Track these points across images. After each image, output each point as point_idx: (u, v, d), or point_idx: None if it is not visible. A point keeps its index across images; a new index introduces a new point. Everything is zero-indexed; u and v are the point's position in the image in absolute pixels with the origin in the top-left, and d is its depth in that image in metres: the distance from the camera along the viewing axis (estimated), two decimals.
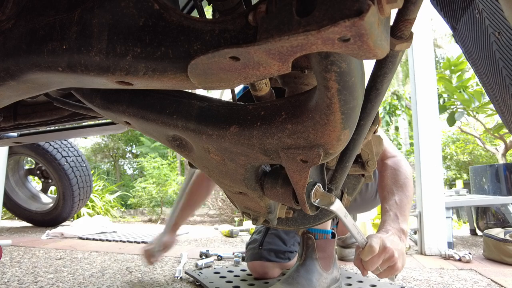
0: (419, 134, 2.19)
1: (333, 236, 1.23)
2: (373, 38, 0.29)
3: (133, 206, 6.47)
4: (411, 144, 9.40)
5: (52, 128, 1.19)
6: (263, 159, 0.53)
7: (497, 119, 5.66)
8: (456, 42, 0.71)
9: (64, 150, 3.19)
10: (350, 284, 1.30)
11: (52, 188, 3.70)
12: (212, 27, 0.40)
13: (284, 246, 1.39)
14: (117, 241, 2.48)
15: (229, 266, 1.66)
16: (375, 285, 1.29)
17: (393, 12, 0.39)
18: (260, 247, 1.37)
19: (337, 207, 0.66)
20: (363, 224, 2.99)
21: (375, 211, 3.51)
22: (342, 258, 1.87)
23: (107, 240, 2.53)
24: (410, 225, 2.55)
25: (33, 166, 3.60)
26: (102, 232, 2.87)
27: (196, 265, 1.63)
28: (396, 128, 9.89)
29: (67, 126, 1.18)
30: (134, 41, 0.43)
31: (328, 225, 1.23)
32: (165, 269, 1.63)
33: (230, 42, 0.38)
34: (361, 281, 1.34)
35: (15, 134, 1.27)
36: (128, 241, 2.47)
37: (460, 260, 1.86)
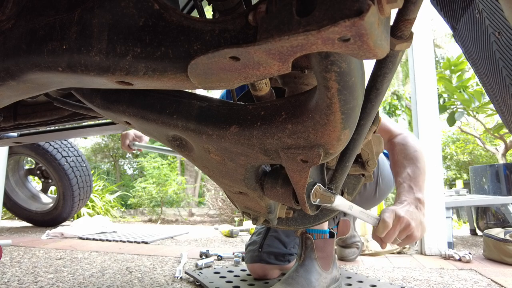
0: (419, 134, 2.19)
1: (332, 235, 1.23)
2: (373, 38, 0.29)
3: (133, 206, 6.46)
4: None
5: (52, 128, 1.19)
6: (263, 159, 0.53)
7: (497, 119, 5.66)
8: (456, 42, 0.71)
9: (64, 150, 3.19)
10: (350, 284, 1.30)
11: (52, 188, 3.71)
12: (212, 27, 0.40)
13: (284, 249, 1.38)
14: (117, 241, 2.48)
15: (229, 266, 1.66)
16: (375, 285, 1.29)
17: (393, 12, 0.39)
18: (260, 250, 1.37)
19: (339, 202, 0.66)
20: (363, 224, 2.99)
21: (375, 210, 3.51)
22: (342, 258, 1.87)
23: (107, 240, 2.53)
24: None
25: (33, 166, 3.60)
26: (102, 232, 2.87)
27: (196, 265, 1.63)
28: None
29: (67, 126, 1.18)
30: (134, 41, 0.43)
31: (325, 225, 1.23)
32: (165, 269, 1.63)
33: (230, 42, 0.38)
34: (361, 281, 1.34)
35: (15, 134, 1.27)
36: (128, 241, 2.47)
37: (460, 260, 1.86)
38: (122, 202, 6.78)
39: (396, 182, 1.15)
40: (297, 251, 1.41)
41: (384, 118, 1.30)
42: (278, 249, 1.37)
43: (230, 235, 2.88)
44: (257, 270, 1.36)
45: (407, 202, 1.01)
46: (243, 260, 1.71)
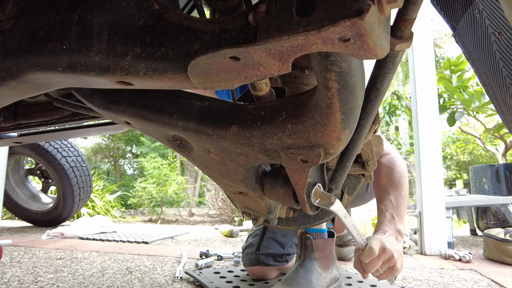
0: (419, 134, 2.19)
1: (331, 235, 1.23)
2: (373, 38, 0.29)
3: (133, 206, 6.46)
4: (411, 144, 9.40)
5: (52, 128, 1.19)
6: (263, 159, 0.53)
7: (497, 119, 5.66)
8: (456, 42, 0.71)
9: (64, 150, 3.19)
10: (350, 284, 1.30)
11: (52, 188, 3.70)
12: (212, 27, 0.40)
13: (281, 250, 1.38)
14: (117, 241, 2.48)
15: (229, 266, 1.66)
16: (375, 285, 1.29)
17: (393, 12, 0.39)
18: (257, 252, 1.36)
19: (337, 207, 0.66)
20: (363, 224, 2.99)
21: (375, 211, 3.51)
22: (341, 258, 1.87)
23: (107, 240, 2.53)
24: (410, 225, 2.56)
25: (33, 166, 3.60)
26: (102, 232, 2.87)
27: (196, 265, 1.63)
28: (396, 128, 9.89)
29: (67, 126, 1.18)
30: (134, 41, 0.43)
31: (323, 224, 1.23)
32: (165, 269, 1.63)
33: (230, 42, 0.38)
34: (361, 281, 1.34)
35: (15, 134, 1.27)
36: (128, 241, 2.47)
37: (460, 260, 1.86)
38: (122, 202, 6.78)
39: (379, 208, 1.14)
40: (294, 251, 1.41)
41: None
42: (275, 250, 1.37)
43: (230, 235, 2.88)
44: (256, 272, 1.36)
45: (389, 233, 1.02)
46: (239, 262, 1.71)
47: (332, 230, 1.24)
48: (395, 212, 1.09)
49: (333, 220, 1.72)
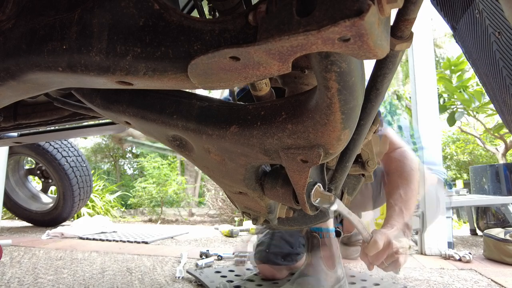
0: (419, 134, 2.19)
1: (338, 234, 1.24)
2: (373, 38, 0.29)
3: (133, 206, 6.46)
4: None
5: (52, 128, 1.19)
6: (263, 159, 0.53)
7: (497, 119, 5.66)
8: (456, 42, 0.71)
9: (64, 150, 3.19)
10: (353, 283, 1.30)
11: (52, 188, 3.70)
12: (212, 27, 0.40)
13: (290, 249, 1.39)
14: (117, 241, 2.48)
15: (230, 265, 1.66)
16: (378, 284, 1.29)
17: (393, 12, 0.38)
18: (267, 251, 1.38)
19: (338, 206, 0.66)
20: (366, 223, 2.99)
21: (378, 211, 3.51)
22: (346, 257, 1.86)
23: (107, 240, 2.53)
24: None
25: (33, 166, 3.60)
26: (102, 232, 2.87)
27: (197, 265, 1.63)
28: (400, 128, 9.88)
29: (67, 126, 1.18)
30: (134, 41, 0.43)
31: (331, 224, 1.24)
32: (165, 269, 1.63)
33: (230, 42, 0.38)
34: (365, 280, 1.34)
35: (15, 134, 1.27)
36: (128, 241, 2.47)
37: (460, 260, 1.86)
38: (122, 202, 6.78)
39: (388, 202, 1.15)
40: (303, 250, 1.42)
41: (388, 129, 1.30)
42: (284, 249, 1.38)
43: (230, 235, 2.88)
44: (265, 271, 1.37)
45: (397, 227, 1.02)
46: (241, 261, 1.71)
47: (338, 229, 1.25)
48: (404, 206, 1.10)
49: (341, 220, 1.72)
